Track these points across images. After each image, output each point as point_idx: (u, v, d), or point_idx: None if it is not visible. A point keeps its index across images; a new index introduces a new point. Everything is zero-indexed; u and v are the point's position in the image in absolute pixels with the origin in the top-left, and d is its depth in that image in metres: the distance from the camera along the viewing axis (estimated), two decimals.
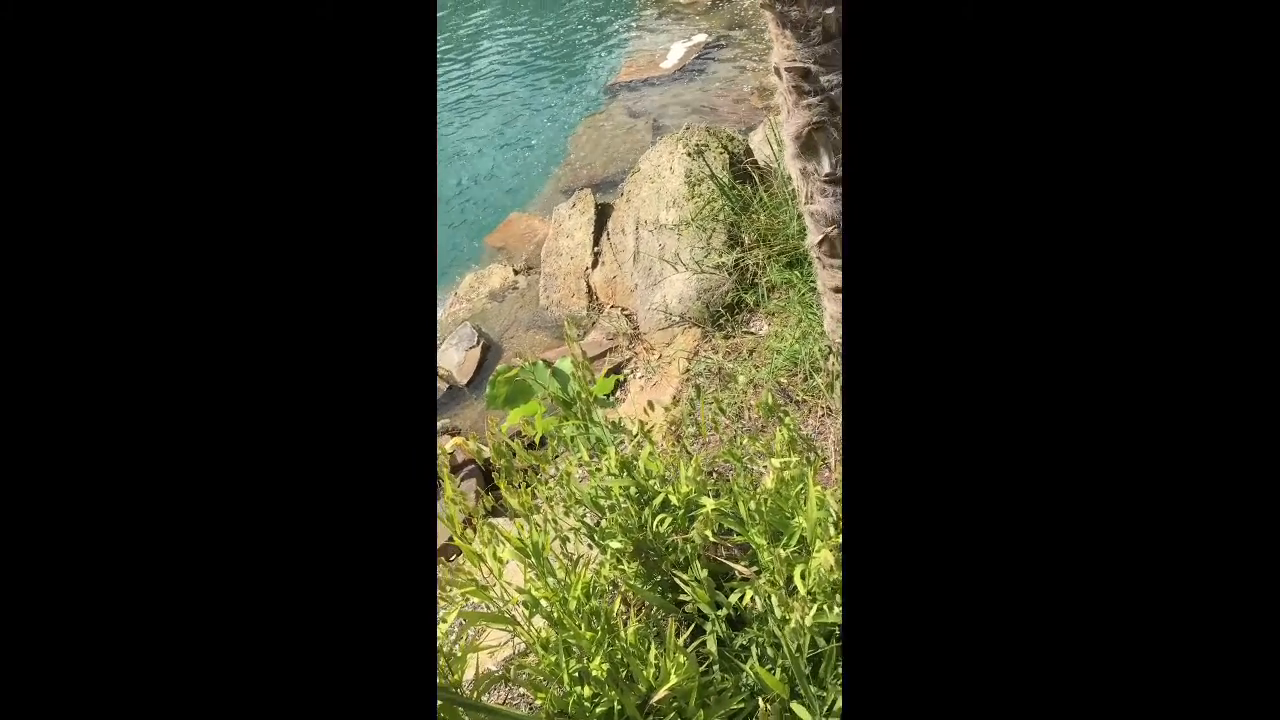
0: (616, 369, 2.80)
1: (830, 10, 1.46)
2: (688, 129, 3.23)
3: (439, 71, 6.46)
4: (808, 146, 1.68)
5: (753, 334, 2.59)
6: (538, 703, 1.20)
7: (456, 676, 1.29)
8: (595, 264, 3.41)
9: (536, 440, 1.77)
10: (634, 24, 6.38)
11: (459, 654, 1.31)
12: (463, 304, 3.76)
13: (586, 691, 1.17)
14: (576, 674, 1.19)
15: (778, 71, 1.61)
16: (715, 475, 1.71)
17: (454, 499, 1.30)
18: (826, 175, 1.69)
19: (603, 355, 2.87)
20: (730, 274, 2.72)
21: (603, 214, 3.54)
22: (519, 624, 1.28)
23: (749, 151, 3.16)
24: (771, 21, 1.54)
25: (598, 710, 1.16)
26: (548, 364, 1.76)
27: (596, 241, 3.46)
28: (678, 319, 2.78)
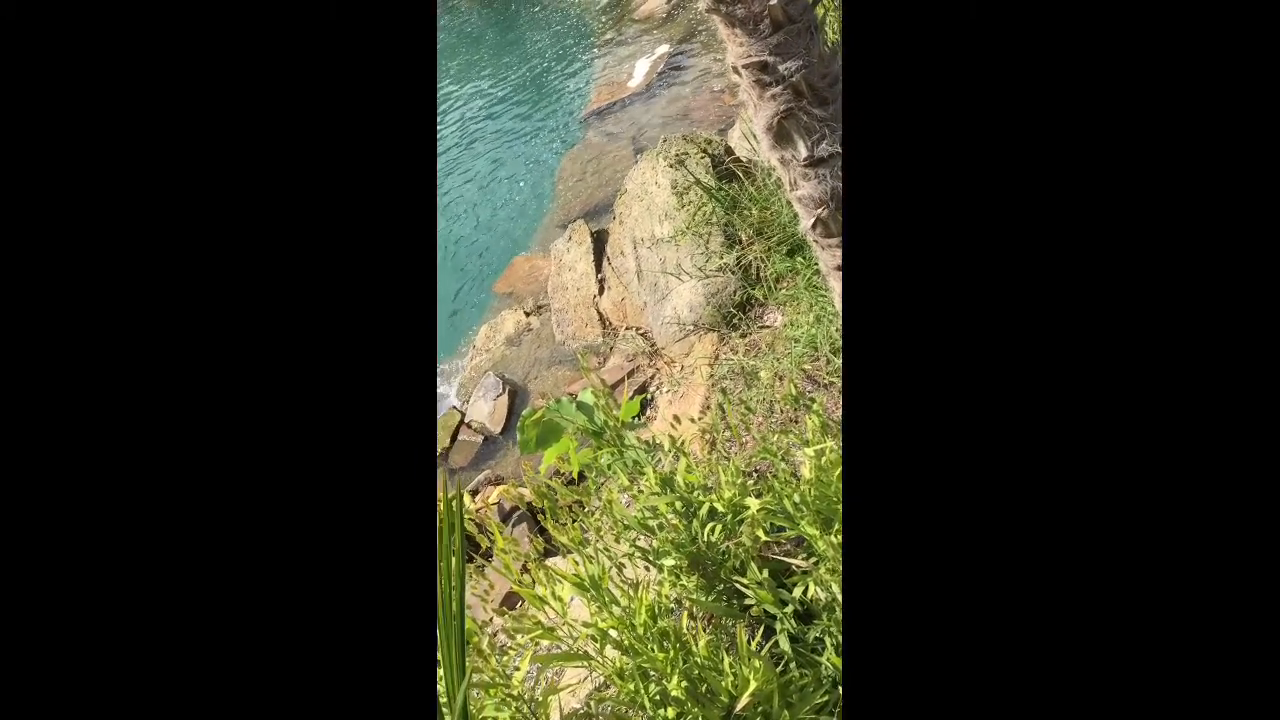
0: (642, 388, 2.81)
1: (774, 1, 1.47)
2: (665, 141, 3.26)
3: None
4: (781, 135, 1.69)
5: (768, 327, 2.59)
6: None
7: None
8: (601, 290, 3.44)
9: (575, 475, 1.79)
10: (595, 50, 6.47)
11: (540, 699, 1.32)
12: (482, 354, 3.81)
13: (670, 713, 1.17)
14: (657, 697, 1.19)
15: (736, 70, 1.63)
16: (756, 475, 1.71)
17: (504, 548, 1.32)
18: (805, 159, 1.69)
19: (627, 377, 2.89)
20: (734, 273, 2.73)
21: (600, 240, 3.58)
22: (593, 657, 1.29)
23: (729, 150, 3.17)
24: (721, 23, 1.56)
25: None
26: (572, 398, 1.78)
27: (599, 268, 3.49)
28: (692, 327, 2.79)
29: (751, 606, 1.33)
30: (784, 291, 2.58)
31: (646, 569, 1.48)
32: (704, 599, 1.38)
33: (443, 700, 1.09)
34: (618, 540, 1.48)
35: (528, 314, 3.90)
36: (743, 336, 2.62)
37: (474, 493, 2.81)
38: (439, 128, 6.51)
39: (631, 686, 1.21)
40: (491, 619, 1.41)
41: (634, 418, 1.82)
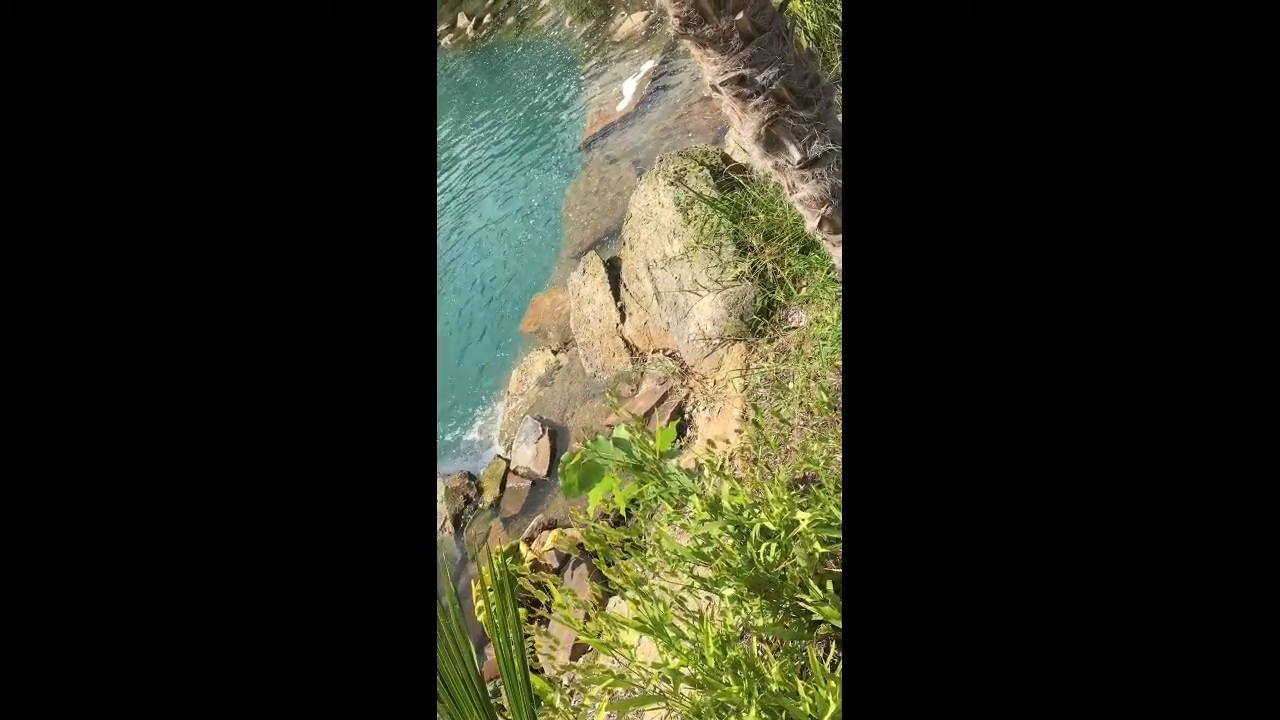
0: (679, 410, 2.80)
1: (739, 15, 1.47)
2: (661, 161, 3.27)
3: None
4: (771, 143, 1.68)
5: (794, 328, 2.56)
6: None
7: None
8: (623, 318, 3.45)
9: (623, 512, 1.79)
10: (582, 78, 6.54)
11: None
12: (517, 399, 3.85)
13: None
14: None
15: (715, 88, 1.63)
16: (802, 486, 1.68)
17: (562, 603, 1.32)
18: (800, 162, 1.68)
19: (662, 401, 2.88)
20: (751, 280, 2.71)
21: (614, 268, 3.60)
22: (668, 697, 1.28)
23: (726, 158, 3.16)
24: (692, 45, 1.57)
25: None
26: (608, 435, 1.78)
27: (617, 296, 3.50)
28: (718, 341, 2.77)
29: (820, 624, 1.31)
30: (804, 290, 2.56)
31: (708, 599, 1.46)
32: (770, 622, 1.36)
33: None
34: (674, 573, 1.47)
35: (555, 352, 3.93)
36: (770, 342, 2.59)
37: (529, 540, 2.83)
38: (441, 179, 6.64)
39: None
40: (561, 675, 1.41)
41: (673, 444, 1.81)
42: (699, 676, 1.25)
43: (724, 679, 1.22)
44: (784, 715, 1.16)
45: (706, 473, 1.53)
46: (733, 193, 2.90)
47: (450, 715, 1.10)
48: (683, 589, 1.44)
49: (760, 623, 1.35)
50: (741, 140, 2.41)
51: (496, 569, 1.23)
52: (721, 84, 1.57)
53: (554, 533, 2.50)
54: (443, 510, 3.41)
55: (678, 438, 2.58)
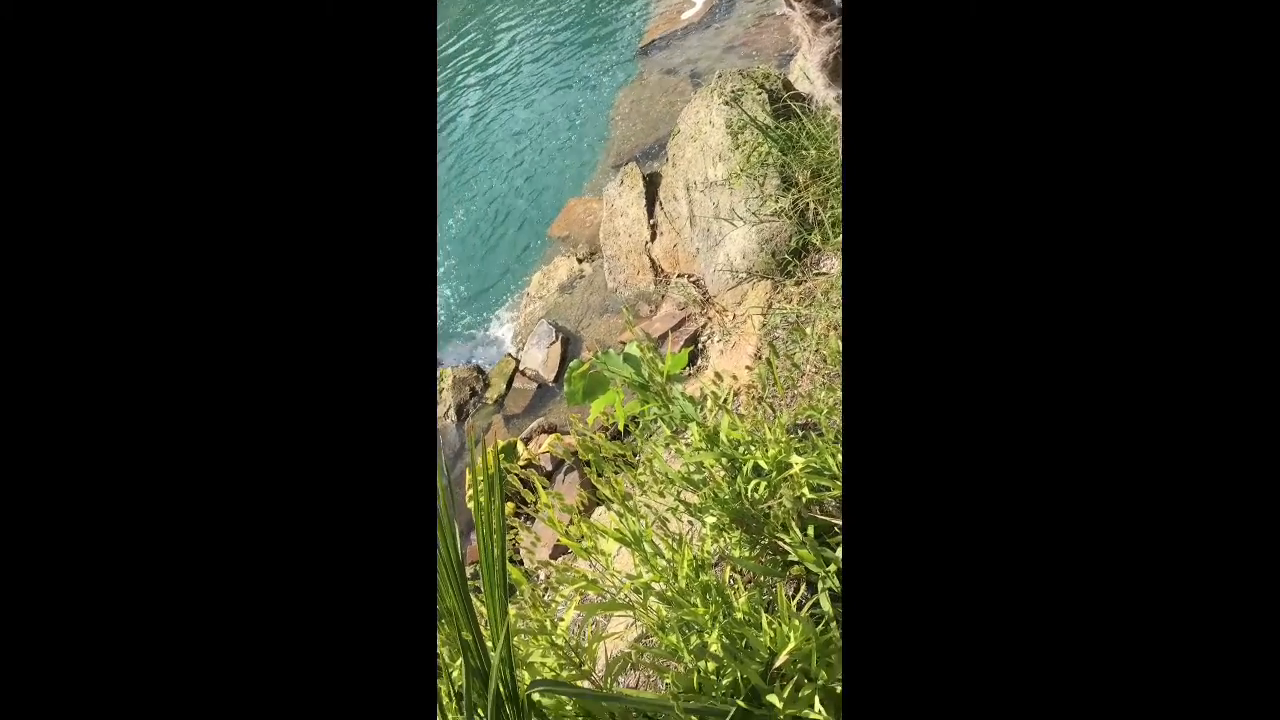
0: (693, 338, 2.78)
1: None
2: (720, 77, 3.12)
3: (471, 71, 6.53)
4: (837, 73, 1.59)
5: (824, 274, 2.50)
6: (665, 683, 1.24)
7: (588, 667, 1.35)
8: (654, 236, 3.39)
9: (621, 428, 1.80)
10: None
11: (586, 645, 1.36)
12: (536, 302, 3.84)
13: (709, 666, 1.19)
14: (696, 651, 1.21)
15: (789, 3, 1.53)
16: (801, 431, 1.68)
17: (549, 502, 1.34)
18: None
19: (678, 326, 2.87)
20: (790, 218, 2.63)
21: (653, 184, 3.51)
22: (638, 608, 1.32)
23: (788, 85, 3.02)
24: None
25: (723, 683, 1.18)
26: (619, 350, 1.77)
27: (651, 213, 3.43)
28: (745, 275, 2.72)
29: (794, 565, 1.33)
30: (841, 237, 2.48)
31: (690, 524, 1.49)
32: (746, 555, 1.39)
33: (487, 644, 1.13)
34: (661, 494, 1.49)
35: (580, 260, 3.89)
36: (797, 284, 2.54)
37: (527, 440, 2.88)
38: (496, 68, 6.42)
39: (673, 639, 1.23)
40: (538, 569, 1.45)
41: (683, 369, 1.80)
42: (669, 593, 1.28)
43: (693, 600, 1.25)
44: (744, 642, 1.20)
45: (710, 404, 1.52)
46: (788, 123, 2.78)
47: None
48: (667, 510, 1.47)
49: (737, 554, 1.38)
50: (807, 67, 2.28)
51: (490, 461, 1.25)
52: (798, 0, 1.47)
53: (552, 436, 2.55)
54: (447, 398, 3.47)
55: (688, 365, 2.58)
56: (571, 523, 1.50)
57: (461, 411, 3.47)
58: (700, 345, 2.73)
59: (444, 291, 4.24)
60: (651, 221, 3.41)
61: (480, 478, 1.23)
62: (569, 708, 1.27)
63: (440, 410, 3.43)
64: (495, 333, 3.92)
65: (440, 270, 4.99)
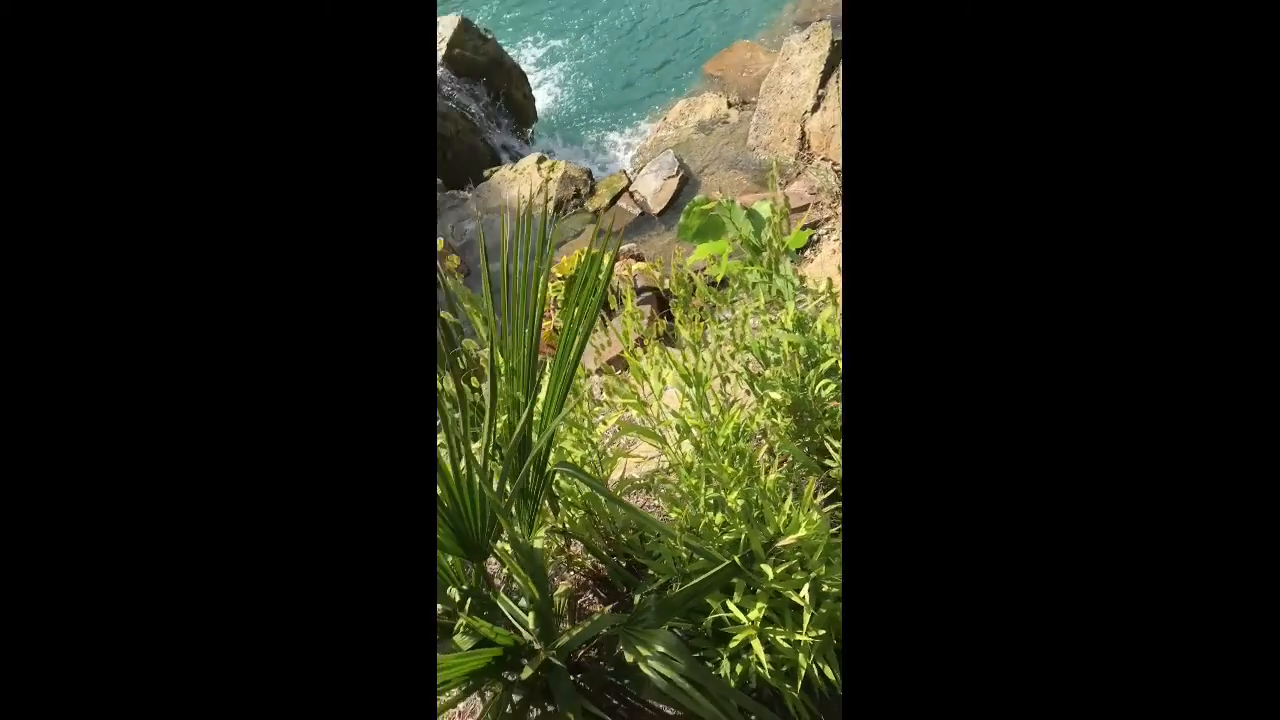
0: (813, 225, 2.67)
1: None
2: None
3: None
4: None
5: None
6: (671, 516, 1.30)
7: (605, 474, 1.42)
8: (816, 108, 3.16)
9: (718, 280, 1.78)
10: None
11: (610, 455, 1.43)
12: (670, 130, 3.69)
13: (718, 519, 1.24)
14: (712, 501, 1.26)
15: None
16: None
17: (631, 313, 1.36)
18: None
19: (801, 209, 2.74)
20: None
21: (837, 54, 3.22)
22: (668, 444, 1.37)
23: None
24: None
25: (725, 537, 1.23)
26: (745, 207, 1.71)
27: (823, 83, 3.18)
28: None
29: (832, 469, 1.35)
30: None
31: (748, 394, 1.50)
32: (789, 441, 1.40)
33: (537, 420, 1.19)
34: (733, 356, 1.49)
35: (730, 105, 3.68)
36: None
37: (615, 259, 2.88)
38: None
39: (694, 482, 1.28)
40: (595, 371, 1.50)
41: (798, 250, 1.74)
42: (703, 444, 1.32)
43: (723, 459, 1.29)
44: (758, 514, 1.24)
45: (821, 289, 1.48)
46: None
47: (501, 353, 1.19)
48: (731, 372, 1.48)
49: (784, 438, 1.40)
50: None
51: (606, 261, 1.25)
52: None
53: (646, 263, 2.54)
54: (552, 189, 3.45)
55: (804, 248, 2.49)
56: (639, 343, 1.52)
57: (560, 206, 3.46)
58: (815, 237, 2.63)
59: (586, 84, 4.07)
60: (821, 91, 3.16)
61: (583, 273, 1.24)
62: (579, 497, 1.36)
63: (540, 197, 3.43)
64: (618, 142, 3.82)
65: (585, 60, 4.76)
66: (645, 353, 1.45)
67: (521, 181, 3.67)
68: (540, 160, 3.83)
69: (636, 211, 3.35)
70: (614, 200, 3.43)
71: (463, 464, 1.07)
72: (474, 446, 1.09)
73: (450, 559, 1.14)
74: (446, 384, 1.14)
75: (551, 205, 3.42)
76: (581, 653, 1.27)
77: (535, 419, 1.19)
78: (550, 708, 1.16)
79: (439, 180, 4.01)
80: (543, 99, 5.51)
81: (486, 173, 4.12)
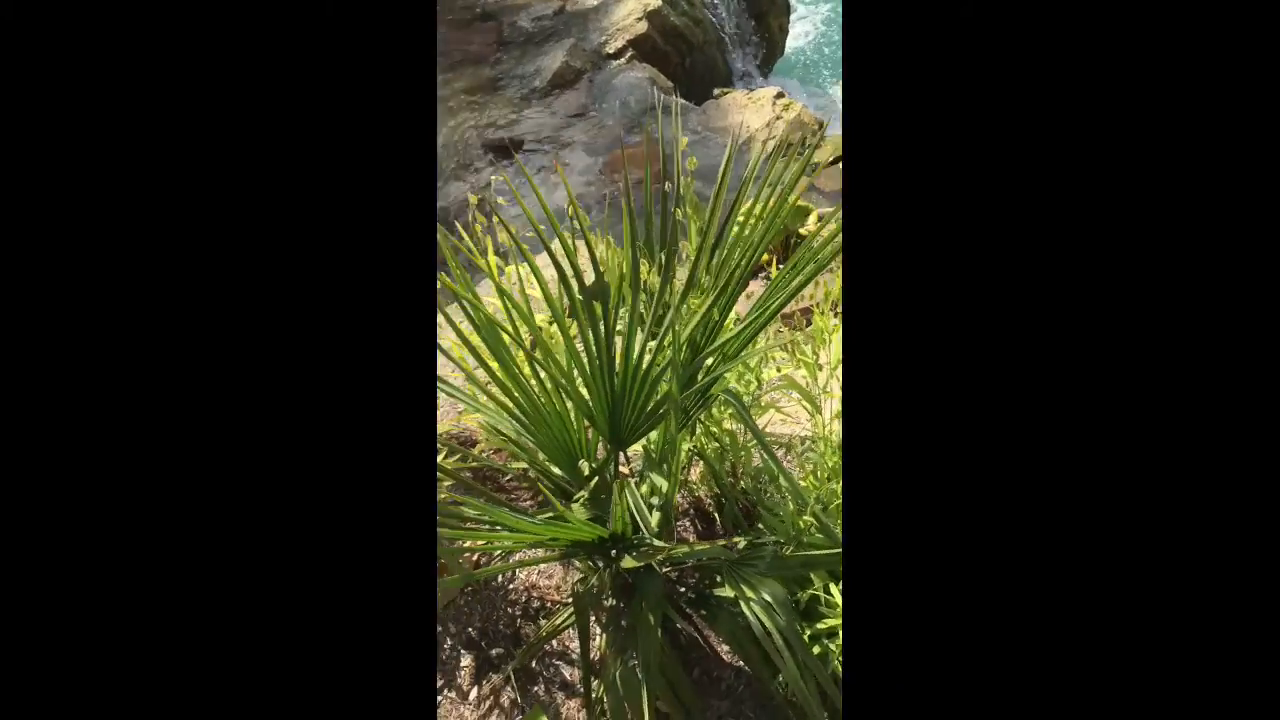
0: None
1: None
2: None
3: None
4: None
5: None
6: (801, 484, 1.28)
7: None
8: None
9: None
10: None
11: (762, 404, 1.41)
12: None
13: None
14: None
15: None
16: None
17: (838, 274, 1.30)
18: None
19: None
20: None
21: None
22: (820, 415, 1.33)
23: None
24: None
25: None
26: None
27: None
28: None
29: None
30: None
31: None
32: None
33: (719, 343, 1.19)
34: None
35: None
36: None
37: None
38: None
39: (836, 460, 1.24)
40: (786, 316, 1.47)
41: None
42: None
43: None
44: None
45: None
46: None
47: (707, 270, 1.18)
48: None
49: None
50: None
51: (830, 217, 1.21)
52: None
53: None
54: (778, 129, 3.33)
55: None
56: (836, 307, 1.47)
57: (783, 147, 3.34)
58: None
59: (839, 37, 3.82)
60: None
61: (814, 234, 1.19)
62: (721, 429, 1.36)
63: (766, 131, 3.33)
64: None
65: None
66: (836, 317, 1.39)
67: (752, 110, 3.58)
68: (779, 95, 3.70)
69: None
70: (835, 160, 3.27)
71: (636, 349, 1.09)
72: (650, 343, 1.10)
73: (593, 433, 1.18)
74: (651, 277, 1.15)
75: (773, 144, 3.32)
76: (666, 570, 1.30)
77: (717, 341, 1.18)
78: (619, 604, 1.20)
79: (672, 85, 3.98)
80: (794, 38, 5.26)
81: (718, 91, 4.03)
